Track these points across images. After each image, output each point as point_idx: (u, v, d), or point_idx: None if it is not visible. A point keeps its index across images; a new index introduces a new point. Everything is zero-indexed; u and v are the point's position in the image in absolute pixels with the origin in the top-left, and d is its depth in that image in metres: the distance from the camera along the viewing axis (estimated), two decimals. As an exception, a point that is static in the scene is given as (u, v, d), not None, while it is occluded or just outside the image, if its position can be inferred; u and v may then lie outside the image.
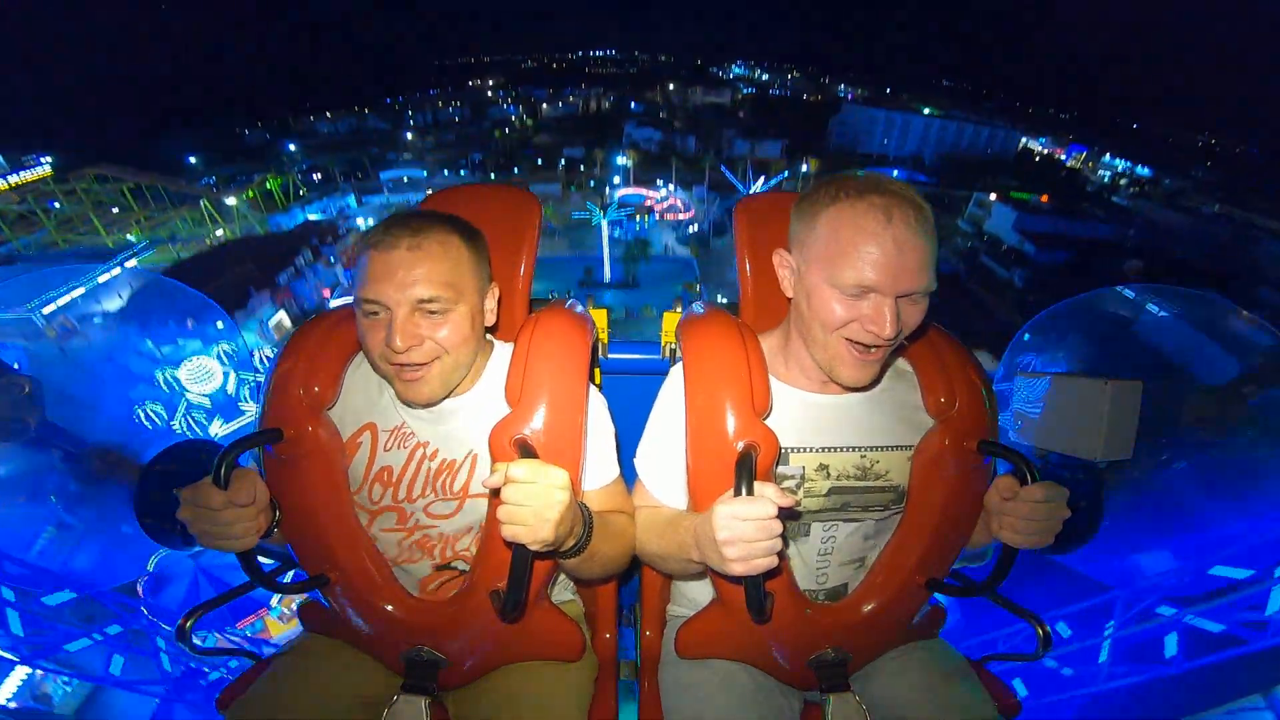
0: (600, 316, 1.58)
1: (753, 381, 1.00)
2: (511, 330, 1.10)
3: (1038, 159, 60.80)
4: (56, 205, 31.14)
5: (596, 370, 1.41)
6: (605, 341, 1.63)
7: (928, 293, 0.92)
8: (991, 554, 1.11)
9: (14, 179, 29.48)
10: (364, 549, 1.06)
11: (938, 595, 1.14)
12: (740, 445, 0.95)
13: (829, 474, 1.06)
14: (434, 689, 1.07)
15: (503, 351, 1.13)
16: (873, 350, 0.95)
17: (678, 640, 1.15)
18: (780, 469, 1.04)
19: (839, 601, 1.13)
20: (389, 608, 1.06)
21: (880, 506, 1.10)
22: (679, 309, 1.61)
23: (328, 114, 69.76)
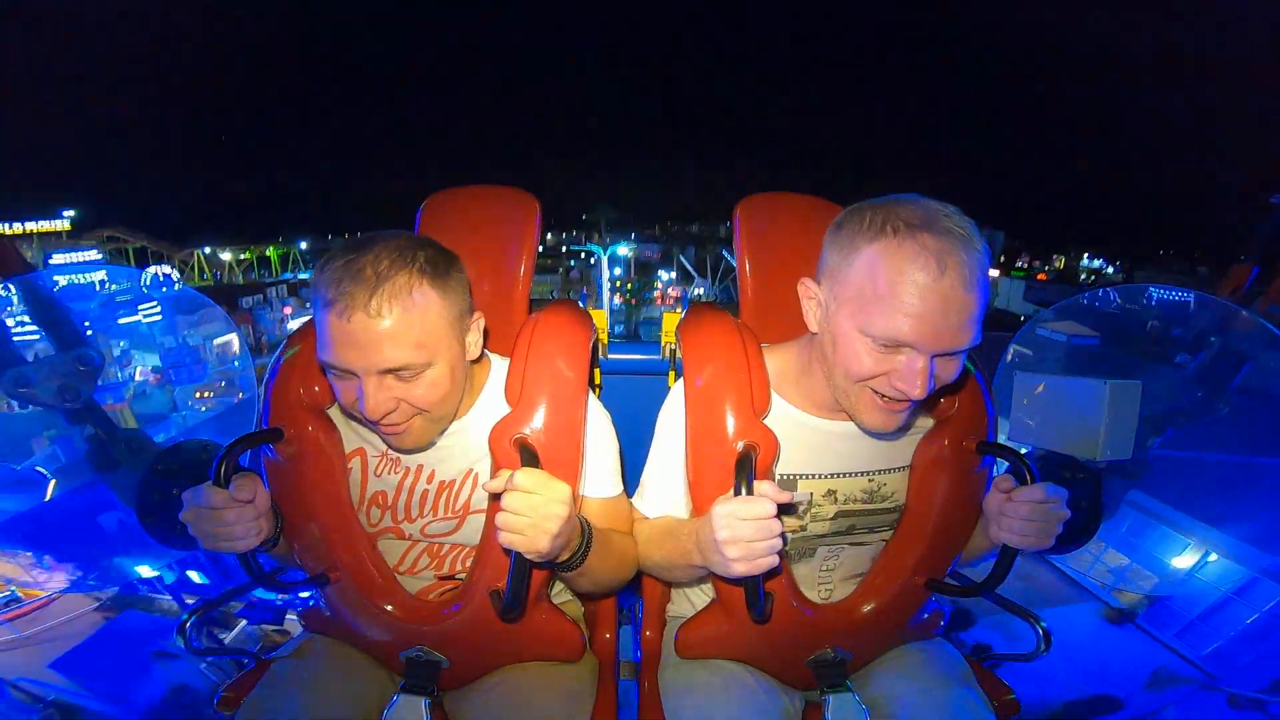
0: (600, 317, 1.58)
1: (752, 382, 1.00)
2: (511, 333, 1.09)
3: (1021, 263, 65.41)
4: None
5: (596, 370, 1.41)
6: (605, 342, 1.63)
7: (969, 348, 0.85)
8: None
9: (30, 226, 29.92)
10: (364, 549, 1.06)
11: (938, 595, 1.14)
12: (740, 445, 0.95)
13: (836, 499, 1.06)
14: (434, 689, 1.07)
15: (500, 367, 1.10)
16: (900, 402, 0.89)
17: (678, 640, 1.15)
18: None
19: (839, 601, 1.13)
20: (389, 608, 1.06)
21: (887, 527, 1.10)
22: (679, 310, 1.62)
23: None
